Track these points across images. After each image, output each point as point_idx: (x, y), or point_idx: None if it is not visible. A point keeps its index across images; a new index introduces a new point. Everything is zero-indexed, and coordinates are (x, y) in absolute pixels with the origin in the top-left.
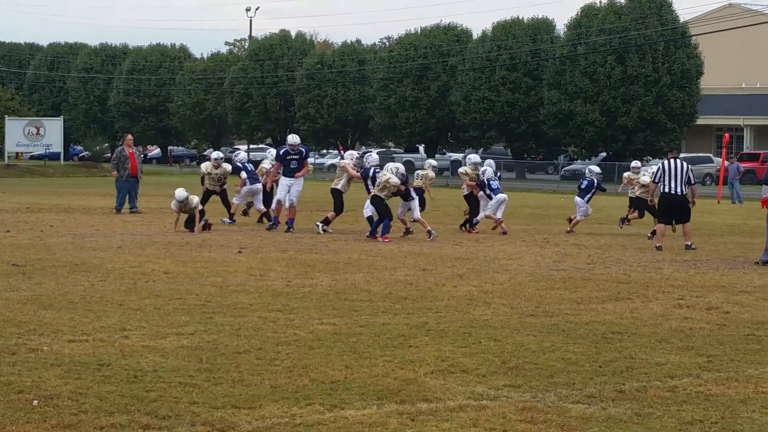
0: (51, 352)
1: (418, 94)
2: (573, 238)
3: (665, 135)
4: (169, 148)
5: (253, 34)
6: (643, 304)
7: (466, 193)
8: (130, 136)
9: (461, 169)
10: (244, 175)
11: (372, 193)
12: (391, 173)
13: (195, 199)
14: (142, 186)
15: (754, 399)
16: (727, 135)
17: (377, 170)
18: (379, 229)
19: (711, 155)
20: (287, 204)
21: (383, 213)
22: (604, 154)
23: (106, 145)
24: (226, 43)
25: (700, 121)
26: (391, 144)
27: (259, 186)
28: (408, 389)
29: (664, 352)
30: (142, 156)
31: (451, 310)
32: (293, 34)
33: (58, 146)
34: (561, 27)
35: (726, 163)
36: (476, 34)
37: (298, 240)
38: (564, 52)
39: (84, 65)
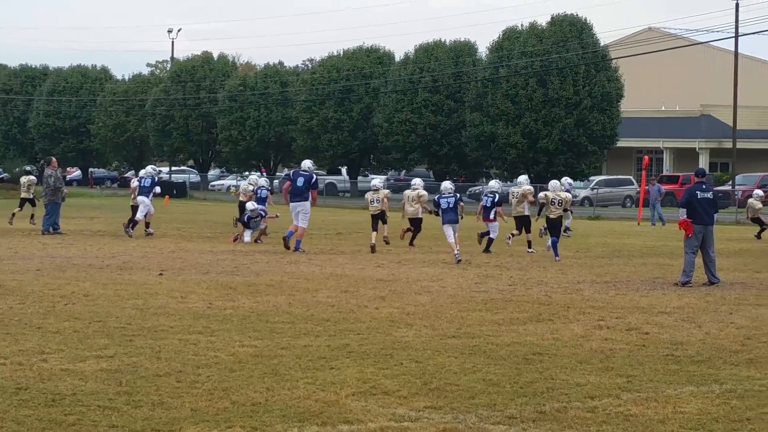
0: None
1: (340, 116)
2: (494, 259)
3: (586, 157)
4: (90, 170)
5: (175, 56)
6: (563, 325)
7: (554, 216)
8: (54, 159)
9: (542, 194)
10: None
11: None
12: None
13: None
14: (64, 208)
15: (673, 419)
16: (646, 157)
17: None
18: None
19: (631, 177)
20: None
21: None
22: (525, 176)
23: (27, 167)
24: (148, 65)
25: (620, 144)
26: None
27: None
28: (329, 411)
29: (584, 373)
30: (63, 177)
31: (372, 332)
32: (215, 55)
33: None
34: (483, 50)
35: (647, 185)
36: (399, 56)
37: (219, 262)
38: (486, 74)
39: (3, 86)
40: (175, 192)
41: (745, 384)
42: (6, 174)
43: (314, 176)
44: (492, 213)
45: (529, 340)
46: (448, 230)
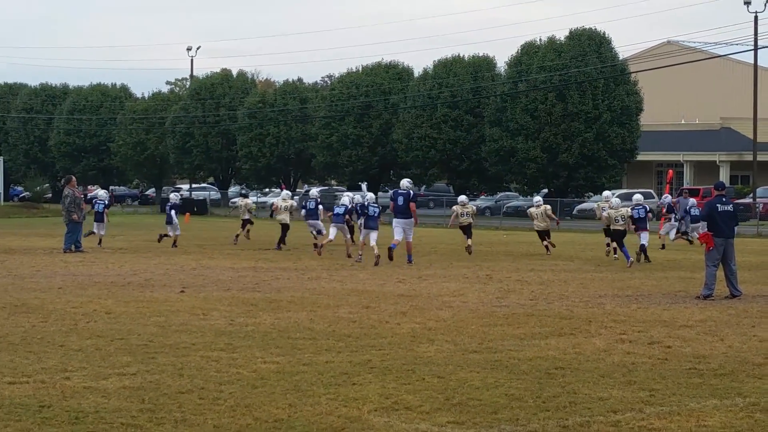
0: None
1: (360, 132)
2: (516, 274)
3: (606, 171)
4: (111, 187)
5: (194, 73)
6: (585, 339)
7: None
8: (74, 178)
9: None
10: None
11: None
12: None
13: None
14: (86, 226)
15: None
16: (671, 171)
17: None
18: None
19: (652, 191)
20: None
21: None
22: (546, 190)
23: (47, 185)
24: (168, 83)
25: (640, 157)
26: (333, 182)
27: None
28: (351, 427)
29: (606, 387)
30: (82, 197)
31: (394, 348)
32: (235, 72)
33: None
34: (502, 65)
35: (676, 198)
36: (417, 72)
37: (240, 279)
38: (505, 89)
39: (24, 105)
40: (195, 209)
41: None
42: (27, 193)
43: (412, 192)
44: (644, 223)
45: (551, 355)
46: (373, 234)
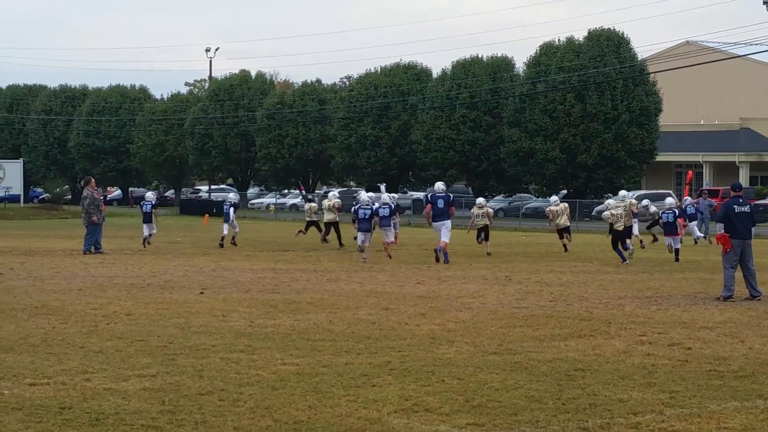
0: (12, 396)
1: (378, 133)
2: (535, 275)
3: (625, 172)
4: (130, 189)
5: (213, 75)
6: (605, 341)
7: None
8: (92, 179)
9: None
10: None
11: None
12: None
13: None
14: (105, 228)
15: None
16: (690, 172)
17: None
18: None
19: (671, 192)
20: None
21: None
22: (565, 191)
23: (66, 187)
24: (186, 84)
25: (659, 158)
26: (352, 183)
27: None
28: (371, 429)
29: (626, 389)
30: (102, 198)
31: (414, 349)
32: (253, 74)
33: (18, 189)
34: (520, 65)
35: (696, 199)
36: (436, 72)
37: (259, 280)
38: (523, 90)
39: (43, 107)
40: (214, 211)
41: None
42: (47, 195)
43: (451, 196)
44: (674, 227)
45: (570, 356)
46: (365, 236)
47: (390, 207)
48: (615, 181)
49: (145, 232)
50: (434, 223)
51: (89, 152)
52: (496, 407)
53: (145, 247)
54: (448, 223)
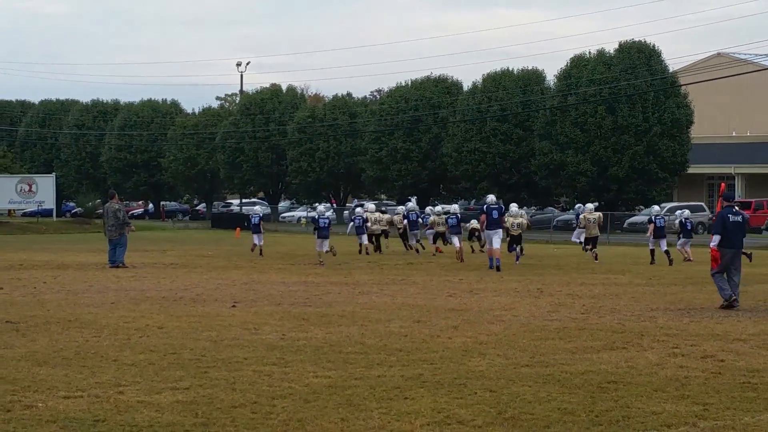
0: (46, 409)
1: (409, 147)
2: (567, 288)
3: (657, 184)
4: (162, 203)
5: (244, 89)
6: (638, 353)
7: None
8: (116, 194)
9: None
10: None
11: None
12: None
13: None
14: (137, 241)
15: None
16: (723, 184)
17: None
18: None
19: (703, 204)
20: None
21: None
22: (596, 203)
23: (99, 201)
24: (217, 98)
25: (691, 170)
26: (383, 196)
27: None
28: None
29: (660, 401)
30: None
31: (446, 362)
32: (284, 87)
33: (50, 203)
34: (551, 78)
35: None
36: (467, 85)
37: (291, 293)
38: (554, 102)
39: (75, 122)
40: (246, 224)
41: None
42: (79, 209)
43: (503, 207)
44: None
45: (603, 369)
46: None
47: (456, 217)
48: (647, 193)
49: (256, 241)
50: (488, 231)
51: (121, 166)
52: (528, 420)
53: (258, 253)
54: (500, 231)
